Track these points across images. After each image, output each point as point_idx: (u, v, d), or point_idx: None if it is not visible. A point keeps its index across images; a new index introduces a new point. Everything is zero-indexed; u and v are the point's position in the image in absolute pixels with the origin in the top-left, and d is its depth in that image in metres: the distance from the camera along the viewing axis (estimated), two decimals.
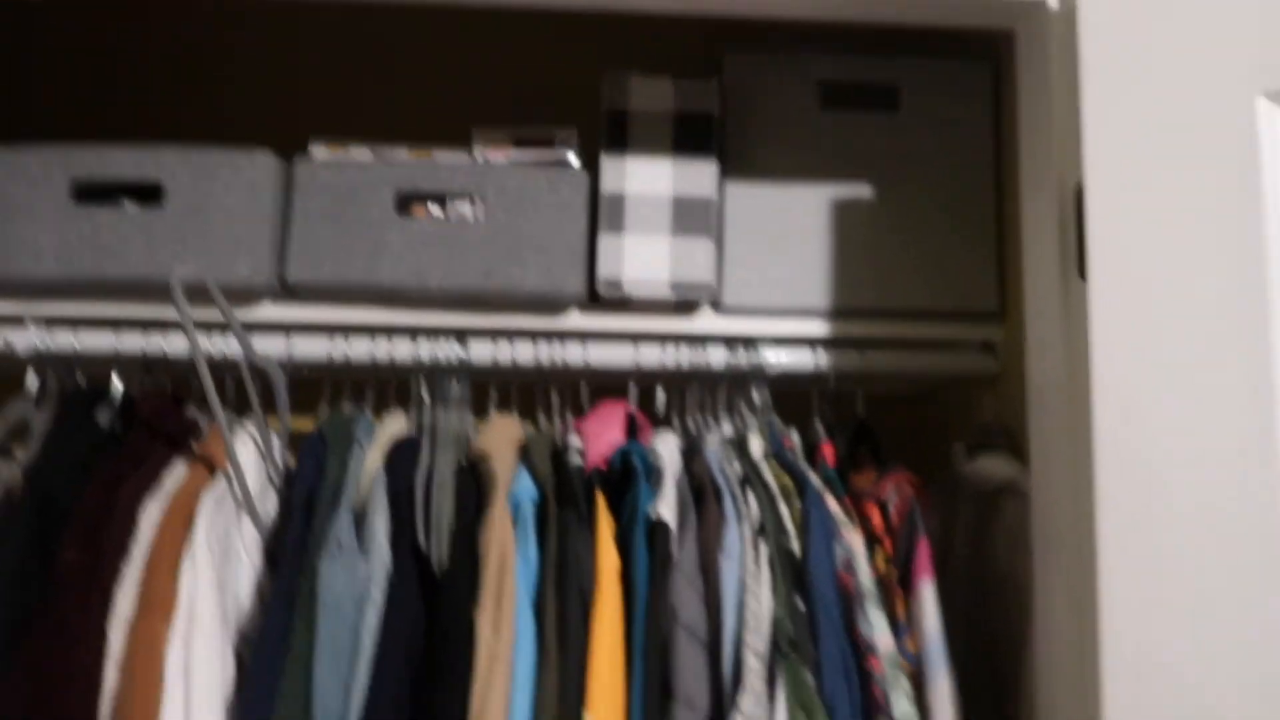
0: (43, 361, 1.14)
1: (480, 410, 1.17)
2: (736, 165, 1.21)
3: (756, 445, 1.13)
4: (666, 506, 1.01)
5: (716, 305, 1.20)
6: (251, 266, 1.09)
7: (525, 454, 1.07)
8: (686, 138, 1.17)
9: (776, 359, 1.19)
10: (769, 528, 1.01)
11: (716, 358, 1.18)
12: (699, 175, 1.17)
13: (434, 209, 1.14)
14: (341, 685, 0.92)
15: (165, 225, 1.09)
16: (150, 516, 0.97)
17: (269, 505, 1.07)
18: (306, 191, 1.12)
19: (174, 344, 1.12)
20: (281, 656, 0.92)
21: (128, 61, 1.50)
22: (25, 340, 1.12)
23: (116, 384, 1.14)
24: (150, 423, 1.05)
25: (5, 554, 0.96)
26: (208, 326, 1.11)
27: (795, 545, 1.02)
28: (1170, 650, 0.74)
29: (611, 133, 1.17)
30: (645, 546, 0.99)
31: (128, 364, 1.15)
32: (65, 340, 1.12)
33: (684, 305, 1.19)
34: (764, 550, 0.99)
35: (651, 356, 1.17)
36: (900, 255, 1.21)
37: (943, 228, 1.22)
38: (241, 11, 1.42)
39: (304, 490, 1.02)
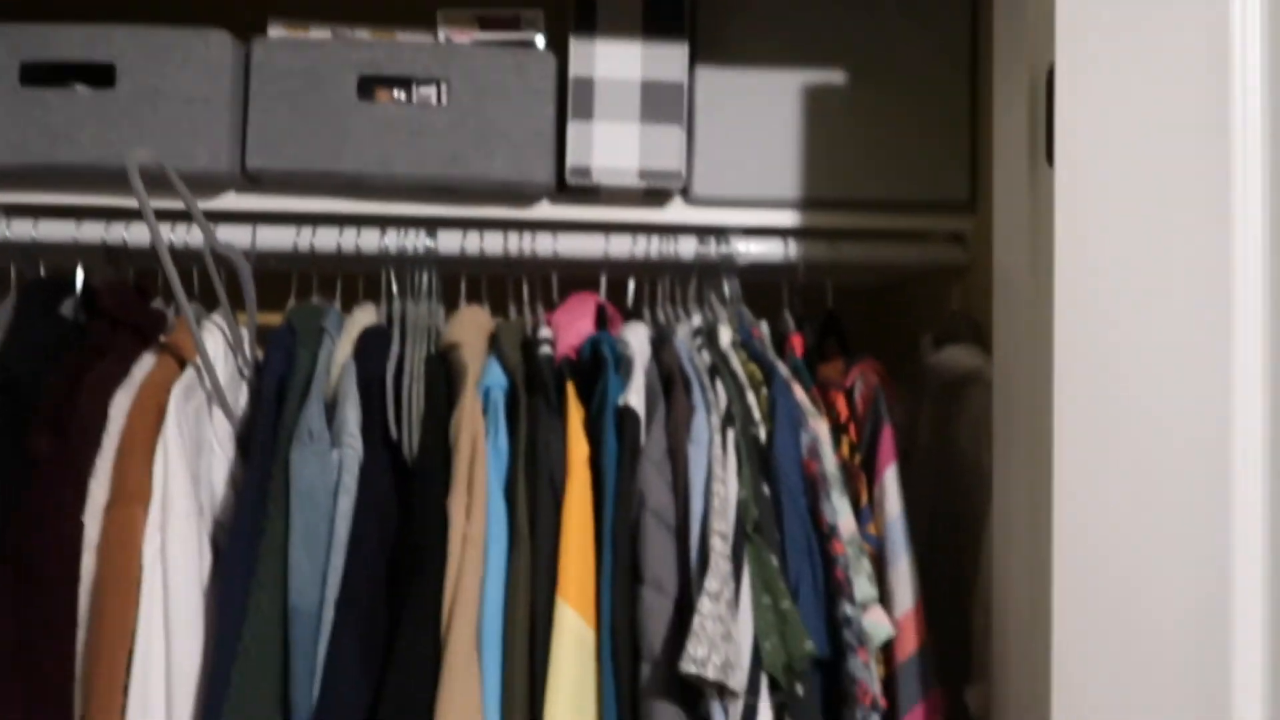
0: (3, 251, 1.13)
1: (451, 303, 1.17)
2: (708, 49, 1.18)
3: (726, 336, 1.13)
4: (635, 395, 1.02)
5: (687, 195, 1.19)
6: (210, 153, 1.07)
7: (495, 343, 1.08)
8: (656, 19, 1.14)
9: (747, 250, 1.18)
10: (737, 416, 1.03)
11: (687, 249, 1.17)
12: (669, 59, 1.15)
13: (397, 94, 1.11)
14: (317, 571, 0.94)
15: (118, 109, 1.06)
16: (120, 407, 0.97)
17: (240, 397, 1.07)
18: (265, 74, 1.09)
19: (137, 234, 1.11)
20: (257, 544, 0.94)
21: None
22: None
23: (79, 275, 1.12)
24: (114, 313, 1.04)
25: None
26: (171, 216, 1.09)
27: (762, 433, 1.03)
28: (1118, 534, 0.76)
29: (579, 13, 1.14)
30: (614, 434, 1.00)
31: (90, 254, 1.13)
32: (24, 230, 1.10)
33: (654, 195, 1.18)
34: (731, 438, 1.00)
35: (622, 247, 1.17)
36: (872, 145, 1.19)
37: (915, 117, 1.20)
38: None
39: (274, 381, 1.02)
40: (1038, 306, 0.84)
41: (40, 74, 1.07)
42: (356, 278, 1.21)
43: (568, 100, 1.13)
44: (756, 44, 1.18)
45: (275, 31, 1.12)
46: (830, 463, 1.02)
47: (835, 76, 1.19)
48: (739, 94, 1.18)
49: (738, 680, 0.87)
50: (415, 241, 1.14)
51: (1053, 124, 0.80)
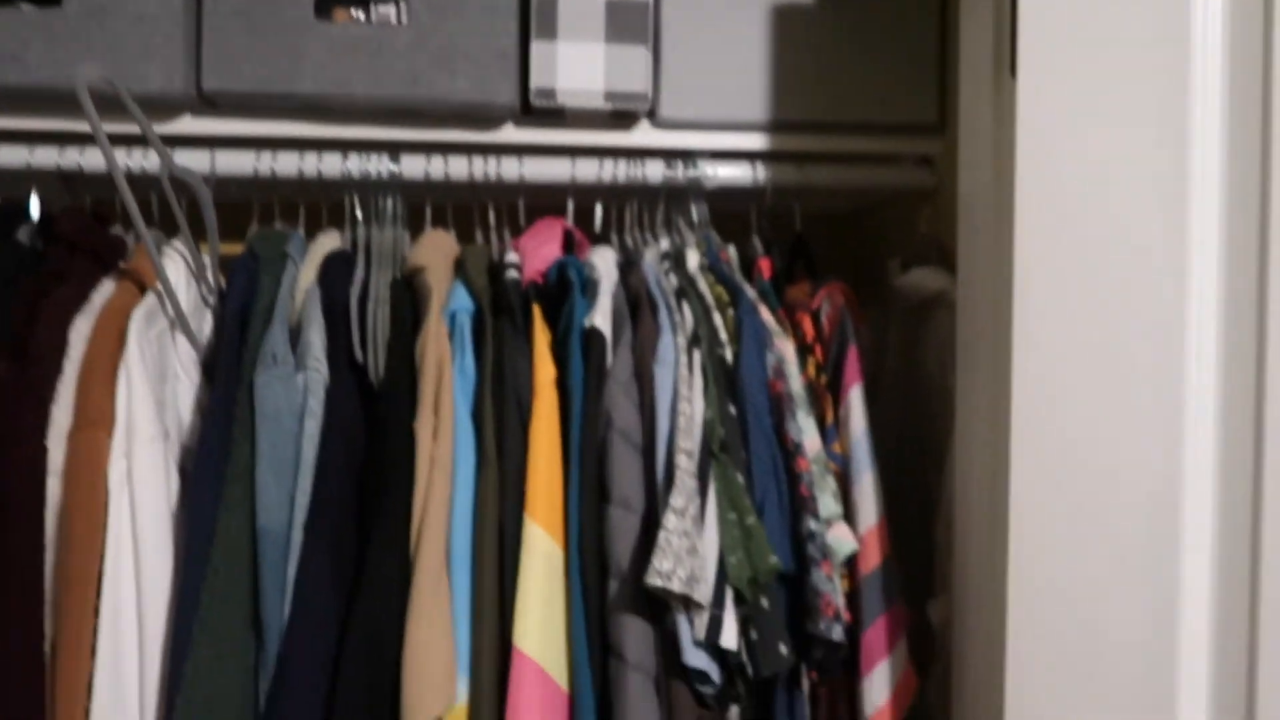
0: None
1: (416, 231, 1.16)
2: None
3: (693, 259, 1.13)
4: (602, 317, 1.02)
5: (654, 118, 1.17)
6: (164, 74, 1.04)
7: (461, 268, 1.07)
8: None
9: (714, 173, 1.18)
10: (703, 337, 1.03)
11: (654, 172, 1.17)
12: None
13: (356, 12, 1.09)
14: (285, 494, 0.94)
15: (66, 28, 1.03)
16: (80, 332, 0.96)
17: (203, 324, 1.06)
18: None
19: (92, 159, 1.08)
20: (223, 468, 0.94)
21: None
22: None
23: (35, 202, 1.10)
24: (72, 239, 1.03)
25: None
26: (127, 140, 1.07)
27: (728, 353, 1.04)
28: (1074, 451, 0.78)
29: None
30: (581, 356, 1.00)
31: (45, 181, 1.11)
32: None
33: (620, 117, 1.17)
34: (698, 358, 1.01)
35: (589, 171, 1.16)
36: (840, 66, 1.18)
37: (884, 38, 1.19)
38: None
39: (236, 306, 1.02)
40: (999, 224, 0.85)
41: None
42: (319, 205, 1.19)
43: (530, 19, 1.11)
44: None
45: None
46: (796, 382, 1.03)
47: None
48: (706, 14, 1.16)
49: (703, 593, 0.88)
50: (378, 166, 1.12)
51: (1017, 35, 0.80)
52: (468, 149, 1.15)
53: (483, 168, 1.14)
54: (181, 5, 1.05)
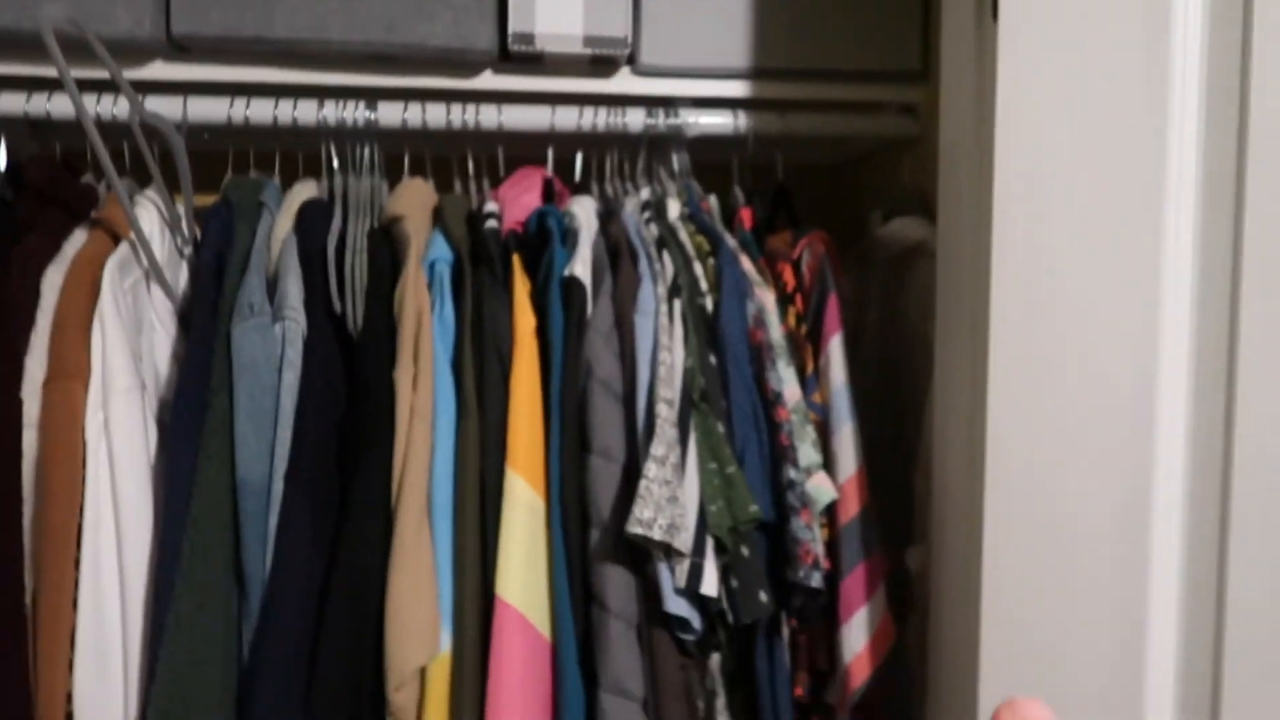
0: None
1: (394, 181, 1.14)
2: None
3: (674, 208, 1.12)
4: (582, 266, 1.02)
5: (634, 65, 1.16)
6: (132, 16, 1.02)
7: (439, 216, 1.06)
8: None
9: (695, 121, 1.17)
10: (683, 286, 1.02)
11: (635, 120, 1.15)
12: None
13: None
14: (265, 445, 0.93)
15: None
16: (51, 283, 0.95)
17: (179, 274, 1.05)
18: None
19: (60, 105, 1.06)
20: (201, 419, 0.93)
21: None
22: None
23: (2, 150, 1.08)
24: (41, 188, 1.01)
25: None
26: (96, 86, 1.04)
27: (709, 303, 1.04)
28: (1049, 404, 0.78)
29: None
30: (561, 305, 1.00)
31: (12, 128, 1.09)
32: None
33: (600, 64, 1.15)
34: (678, 308, 1.01)
35: (568, 119, 1.14)
36: (823, 13, 1.17)
37: None
38: None
39: (211, 256, 1.00)
40: (980, 171, 0.84)
41: None
42: (296, 155, 1.17)
43: None
44: None
45: None
46: (776, 332, 1.03)
47: None
48: None
49: (683, 541, 0.89)
50: (355, 113, 1.10)
51: None
52: (446, 96, 1.14)
53: (461, 115, 1.12)
54: None
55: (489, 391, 0.97)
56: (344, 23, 1.05)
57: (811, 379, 1.04)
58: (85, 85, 0.96)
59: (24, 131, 1.14)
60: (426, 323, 0.96)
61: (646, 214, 1.11)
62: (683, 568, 0.89)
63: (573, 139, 1.18)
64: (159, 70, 1.09)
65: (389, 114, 1.12)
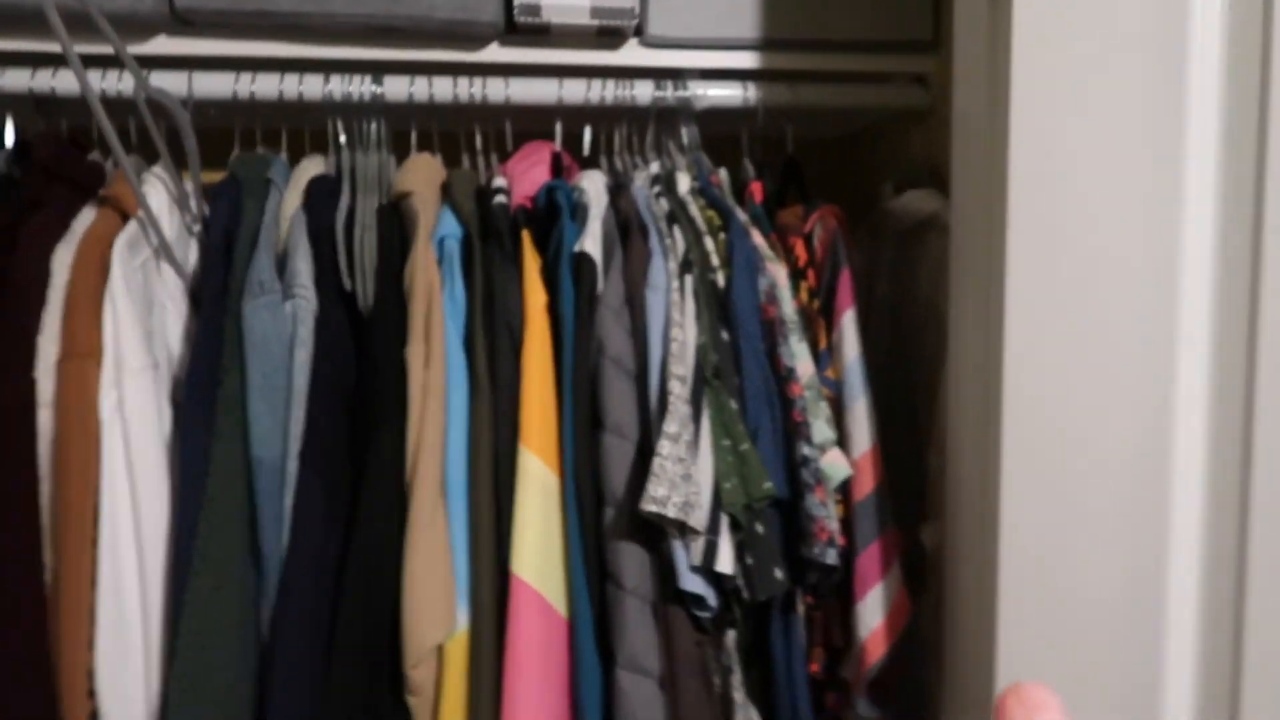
0: None
1: (401, 155, 1.13)
2: None
3: (684, 182, 1.11)
4: (592, 242, 1.01)
5: (642, 36, 1.14)
6: None
7: (448, 193, 1.05)
8: None
9: (705, 93, 1.15)
10: (694, 262, 1.02)
11: (643, 93, 1.14)
12: None
13: None
14: (278, 423, 0.93)
15: None
16: (62, 261, 0.94)
17: (188, 252, 1.04)
18: None
19: (65, 82, 1.05)
20: (214, 397, 0.93)
21: None
22: None
23: (10, 127, 1.07)
24: (48, 166, 1.00)
25: None
26: (101, 61, 1.03)
27: (720, 278, 1.03)
28: (1065, 376, 0.77)
29: None
30: (571, 281, 0.99)
31: (17, 105, 1.08)
32: None
33: (607, 34, 1.13)
34: (689, 283, 1.00)
35: (576, 92, 1.13)
36: None
37: None
38: None
39: (220, 233, 1.00)
40: (994, 144, 0.83)
41: None
42: (302, 132, 1.16)
43: None
44: None
45: None
46: (788, 307, 1.02)
47: None
48: None
49: (698, 519, 0.89)
50: (361, 88, 1.09)
51: None
52: (452, 69, 1.12)
53: (468, 89, 1.11)
54: None
55: (501, 368, 0.97)
56: None
57: (824, 355, 1.04)
58: (89, 61, 0.95)
59: (29, 108, 1.13)
60: (437, 300, 0.96)
61: (656, 188, 1.10)
62: (697, 545, 0.89)
63: (580, 112, 1.16)
64: (162, 45, 1.08)
65: (395, 88, 1.10)
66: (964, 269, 0.93)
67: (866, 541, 0.99)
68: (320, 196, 1.02)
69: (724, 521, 0.91)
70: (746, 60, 1.16)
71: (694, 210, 1.07)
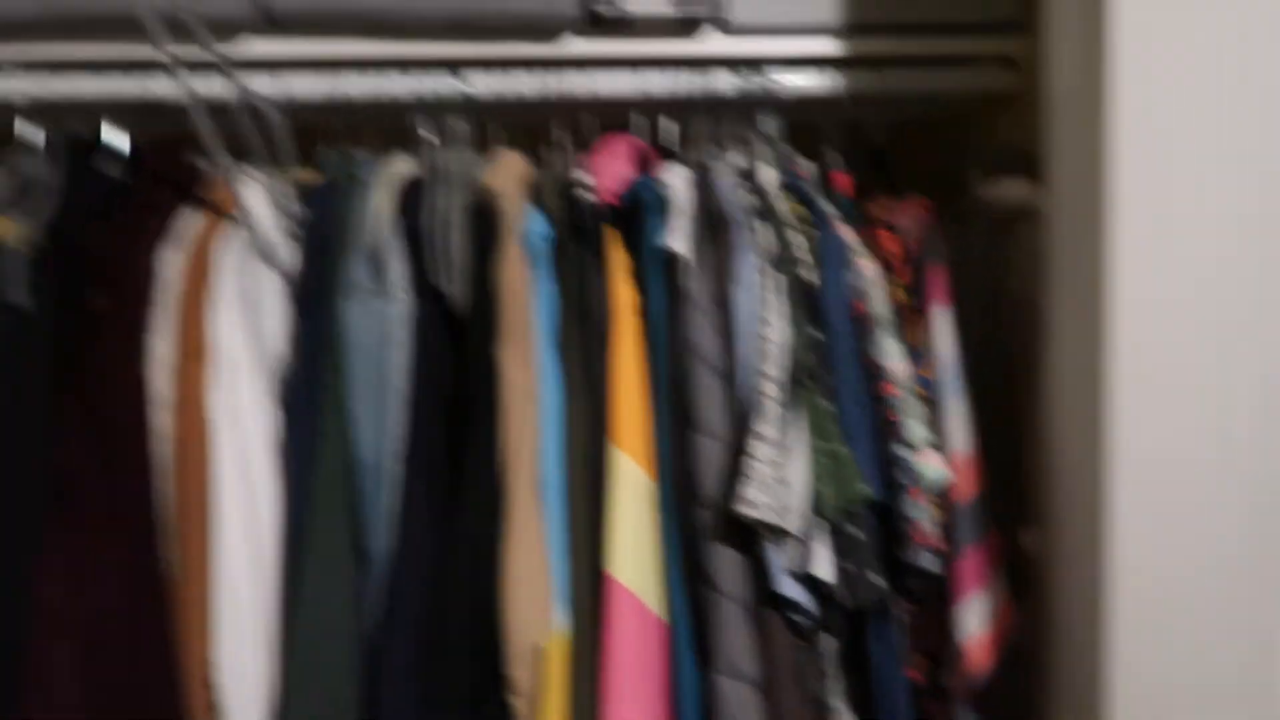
0: (34, 110, 1.09)
1: (482, 149, 1.13)
2: None
3: (768, 175, 1.10)
4: (679, 239, 1.00)
5: (722, 24, 1.12)
6: None
7: (534, 191, 1.05)
8: None
9: (789, 82, 1.13)
10: (782, 257, 1.00)
11: (726, 83, 1.12)
12: None
13: None
14: (379, 425, 0.95)
15: None
16: (171, 265, 0.97)
17: (286, 253, 1.06)
18: None
19: (162, 86, 1.06)
20: (315, 398, 0.95)
21: None
22: (16, 87, 1.06)
23: (113, 132, 1.09)
24: (158, 171, 1.02)
25: (42, 304, 0.95)
26: (191, 66, 1.04)
27: (809, 274, 1.02)
28: (1180, 372, 0.75)
29: None
30: (660, 280, 0.99)
31: (118, 110, 1.10)
32: (56, 86, 1.06)
33: (687, 24, 1.12)
34: (778, 280, 0.99)
35: (656, 83, 1.12)
36: None
37: None
38: None
39: (316, 234, 1.01)
40: (1092, 129, 0.80)
41: None
42: (382, 129, 1.16)
43: None
44: None
45: None
46: (880, 303, 1.01)
47: None
48: None
49: (792, 522, 0.88)
50: (448, 85, 1.09)
51: None
52: (529, 64, 1.12)
53: (548, 83, 1.11)
54: None
55: (592, 368, 0.97)
56: None
57: (918, 352, 1.02)
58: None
59: (114, 113, 1.14)
60: (528, 300, 0.96)
61: (740, 181, 1.09)
62: (793, 549, 0.89)
63: (656, 104, 1.15)
64: (249, 47, 1.08)
65: (479, 84, 1.10)
66: (1063, 262, 0.91)
67: (966, 545, 0.97)
68: (410, 196, 1.02)
69: (820, 525, 0.90)
70: (828, 46, 1.13)
71: (780, 204, 1.06)
